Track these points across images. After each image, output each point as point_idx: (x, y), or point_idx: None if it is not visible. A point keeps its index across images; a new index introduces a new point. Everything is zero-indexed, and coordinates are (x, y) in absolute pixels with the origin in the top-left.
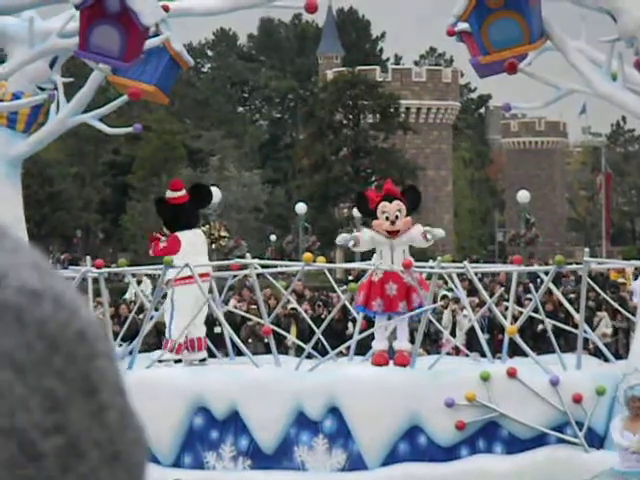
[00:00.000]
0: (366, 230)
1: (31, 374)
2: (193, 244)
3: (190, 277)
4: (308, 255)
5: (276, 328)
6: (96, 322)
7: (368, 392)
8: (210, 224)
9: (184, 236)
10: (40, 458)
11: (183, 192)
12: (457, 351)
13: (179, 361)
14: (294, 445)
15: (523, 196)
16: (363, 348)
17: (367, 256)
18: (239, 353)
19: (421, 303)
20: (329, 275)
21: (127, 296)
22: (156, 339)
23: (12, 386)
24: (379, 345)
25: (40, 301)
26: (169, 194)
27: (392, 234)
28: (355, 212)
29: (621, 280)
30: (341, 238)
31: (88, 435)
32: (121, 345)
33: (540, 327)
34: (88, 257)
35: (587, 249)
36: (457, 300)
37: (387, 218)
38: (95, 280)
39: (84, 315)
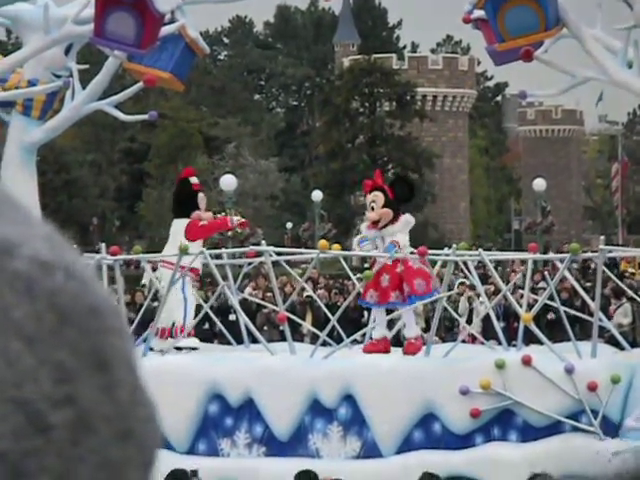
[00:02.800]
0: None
1: (41, 345)
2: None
3: (171, 263)
4: (323, 243)
5: (291, 315)
6: (109, 297)
7: (383, 380)
8: (226, 211)
9: (182, 222)
10: (49, 430)
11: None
12: (473, 339)
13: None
14: (309, 432)
15: (539, 184)
16: None
17: None
18: (254, 341)
19: (412, 292)
20: (344, 263)
21: (144, 281)
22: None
23: (21, 356)
24: (378, 334)
25: (51, 272)
26: (193, 180)
27: (372, 225)
28: None
29: (631, 270)
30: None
31: (98, 410)
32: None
33: (552, 315)
34: (103, 244)
35: (603, 237)
36: (473, 287)
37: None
38: (110, 268)
39: (96, 289)
